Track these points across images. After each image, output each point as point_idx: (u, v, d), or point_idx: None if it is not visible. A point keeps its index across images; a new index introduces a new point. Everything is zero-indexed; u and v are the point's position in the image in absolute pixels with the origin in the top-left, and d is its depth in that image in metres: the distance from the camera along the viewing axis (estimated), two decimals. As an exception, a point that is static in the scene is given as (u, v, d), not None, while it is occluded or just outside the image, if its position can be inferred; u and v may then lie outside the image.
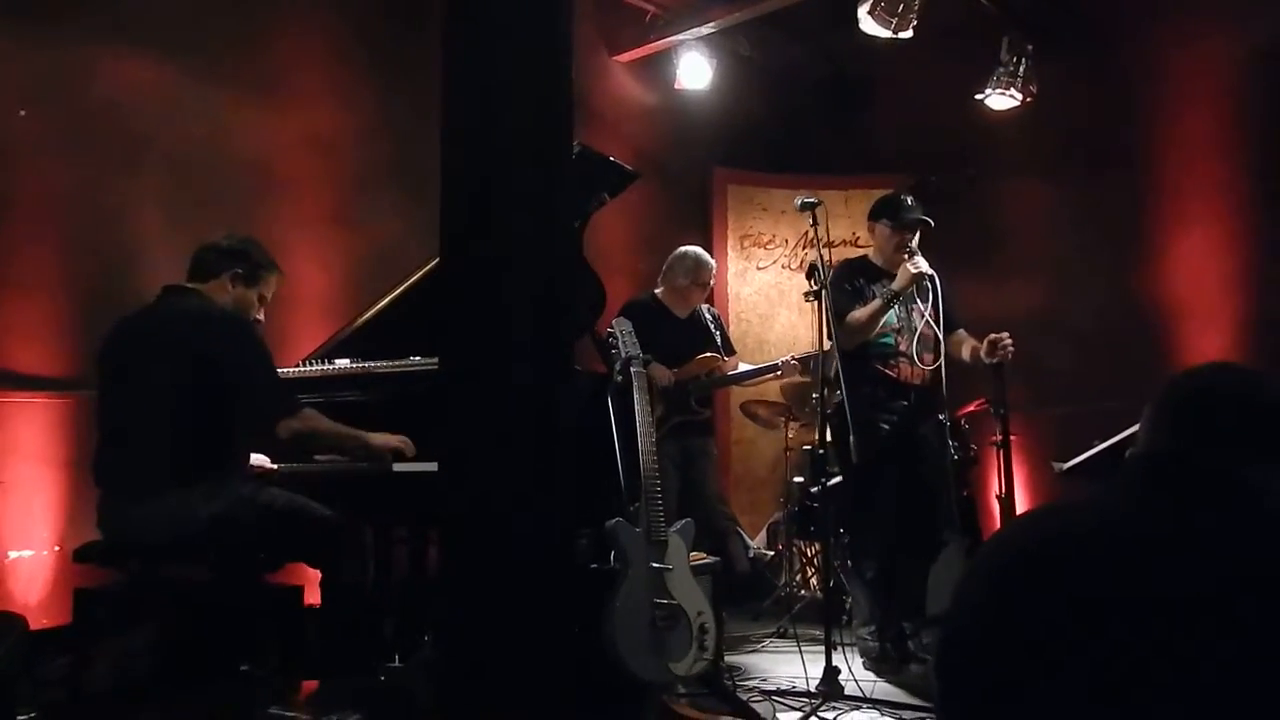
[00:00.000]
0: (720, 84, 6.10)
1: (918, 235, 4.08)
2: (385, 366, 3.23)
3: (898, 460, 3.98)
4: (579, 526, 3.28)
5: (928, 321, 3.99)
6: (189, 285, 3.04)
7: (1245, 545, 1.18)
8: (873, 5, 4.97)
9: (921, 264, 3.89)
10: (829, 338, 3.66)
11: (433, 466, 2.70)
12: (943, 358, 3.99)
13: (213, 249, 3.09)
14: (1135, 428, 1.43)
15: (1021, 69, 5.61)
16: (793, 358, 4.68)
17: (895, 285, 3.94)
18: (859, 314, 3.97)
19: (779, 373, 4.75)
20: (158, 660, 2.76)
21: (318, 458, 3.14)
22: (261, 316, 3.14)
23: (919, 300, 4.06)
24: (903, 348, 4.03)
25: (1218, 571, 1.15)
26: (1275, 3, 5.11)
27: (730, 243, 6.52)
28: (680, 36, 5.91)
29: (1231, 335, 5.24)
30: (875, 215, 4.21)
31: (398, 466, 2.97)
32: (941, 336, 3.96)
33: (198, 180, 4.28)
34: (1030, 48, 5.63)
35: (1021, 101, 5.66)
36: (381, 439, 2.98)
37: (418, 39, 4.70)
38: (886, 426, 3.97)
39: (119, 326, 3.01)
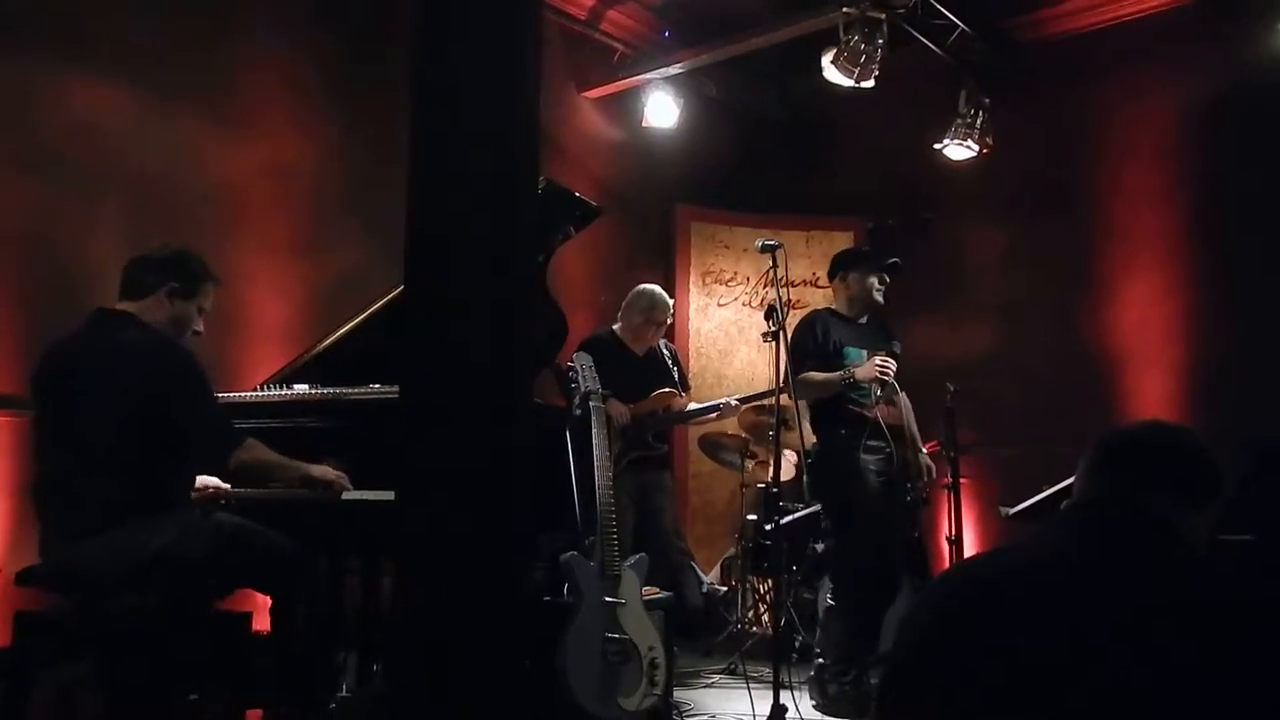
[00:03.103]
0: (686, 123, 6.19)
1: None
2: (345, 393, 3.22)
3: (881, 501, 4.03)
4: (534, 559, 3.28)
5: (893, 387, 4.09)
6: (122, 309, 2.86)
7: (1165, 582, 1.23)
8: (836, 55, 5.08)
9: (890, 373, 4.00)
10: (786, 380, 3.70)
11: (386, 495, 2.69)
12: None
13: (146, 262, 2.90)
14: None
15: (979, 121, 5.75)
16: (736, 400, 4.75)
17: (859, 374, 4.03)
18: (813, 377, 4.05)
19: (719, 413, 4.81)
20: (100, 688, 2.70)
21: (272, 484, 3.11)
22: (200, 328, 2.99)
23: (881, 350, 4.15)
24: (875, 390, 4.09)
25: (1135, 607, 1.20)
26: (1211, 65, 5.32)
27: (692, 279, 6.59)
28: (648, 76, 6.00)
29: (1172, 379, 5.39)
30: (845, 267, 4.29)
31: (347, 495, 2.94)
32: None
33: (159, 207, 4.25)
34: (987, 100, 5.77)
35: (978, 152, 5.79)
36: (320, 470, 2.93)
37: (379, 72, 4.75)
38: (874, 469, 4.02)
39: (51, 353, 2.85)
